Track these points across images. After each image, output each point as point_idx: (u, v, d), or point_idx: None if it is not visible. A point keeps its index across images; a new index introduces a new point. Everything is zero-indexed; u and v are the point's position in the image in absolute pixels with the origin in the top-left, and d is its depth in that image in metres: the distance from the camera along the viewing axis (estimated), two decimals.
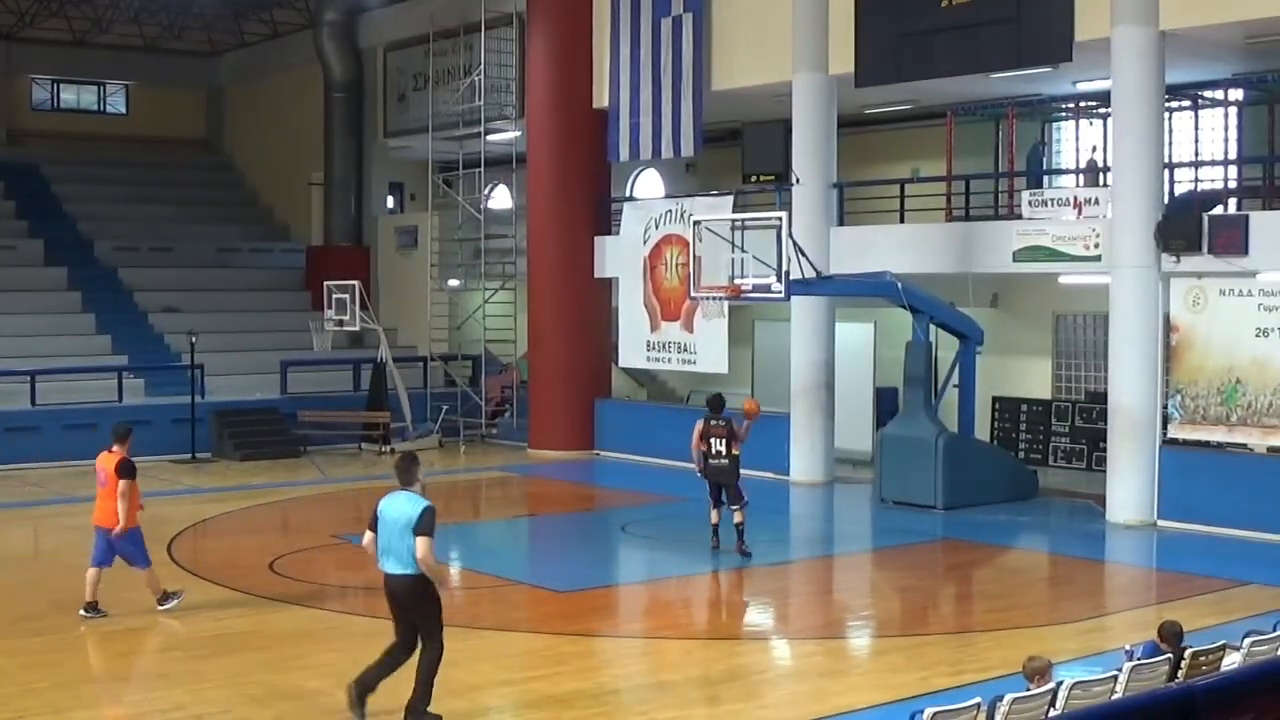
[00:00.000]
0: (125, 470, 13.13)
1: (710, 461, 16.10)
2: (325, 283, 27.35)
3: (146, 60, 36.69)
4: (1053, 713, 8.04)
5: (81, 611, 13.06)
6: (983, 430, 23.02)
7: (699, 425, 16.22)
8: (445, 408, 27.28)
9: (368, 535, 10.08)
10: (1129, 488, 18.21)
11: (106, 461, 13.40)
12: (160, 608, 13.31)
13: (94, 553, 13.22)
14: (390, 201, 33.70)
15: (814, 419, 21.89)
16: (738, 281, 18.30)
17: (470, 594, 15.41)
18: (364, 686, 9.94)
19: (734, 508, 16.05)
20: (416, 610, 9.93)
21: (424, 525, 9.71)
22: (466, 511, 21.97)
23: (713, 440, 16.07)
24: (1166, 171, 19.10)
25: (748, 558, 15.92)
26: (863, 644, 13.00)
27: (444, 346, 29.26)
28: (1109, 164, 19.93)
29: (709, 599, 15.37)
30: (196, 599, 14.19)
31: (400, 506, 9.89)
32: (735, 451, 15.93)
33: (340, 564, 16.72)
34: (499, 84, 27.72)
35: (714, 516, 16.35)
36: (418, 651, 9.95)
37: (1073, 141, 24.72)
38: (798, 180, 21.38)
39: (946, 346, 21.12)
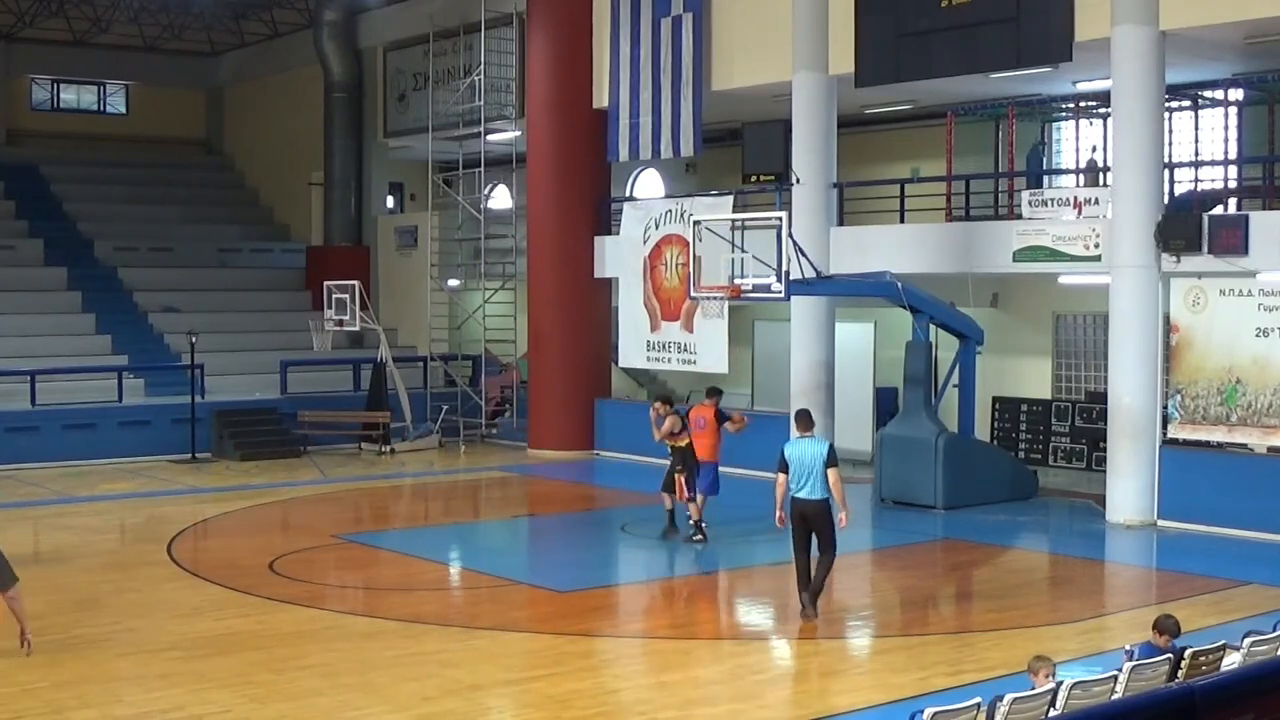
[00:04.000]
0: (722, 417, 17.06)
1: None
2: (325, 283, 27.33)
3: (146, 60, 36.69)
4: (1053, 713, 8.04)
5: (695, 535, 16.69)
6: (983, 430, 23.02)
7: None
8: (445, 408, 27.28)
9: (781, 476, 13.01)
10: (1129, 488, 18.21)
11: (703, 411, 17.07)
12: (693, 537, 16.63)
13: (707, 483, 16.91)
14: (390, 201, 33.70)
15: (814, 419, 21.84)
16: (738, 281, 18.29)
17: (470, 594, 15.44)
18: (813, 594, 13.02)
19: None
20: (822, 526, 13.00)
21: (833, 459, 12.87)
22: (466, 511, 21.99)
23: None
24: (1166, 171, 19.10)
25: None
26: (863, 644, 12.99)
27: (444, 346, 29.26)
28: (1109, 164, 19.93)
29: (709, 599, 15.38)
30: (196, 599, 14.22)
31: (808, 448, 12.98)
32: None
33: (340, 564, 16.73)
34: (499, 84, 27.72)
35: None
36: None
37: (1073, 141, 24.72)
38: (798, 180, 21.38)
39: (946, 346, 21.13)
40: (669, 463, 17.12)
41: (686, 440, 16.88)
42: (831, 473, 12.84)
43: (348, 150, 32.07)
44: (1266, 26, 17.42)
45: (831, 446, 13.01)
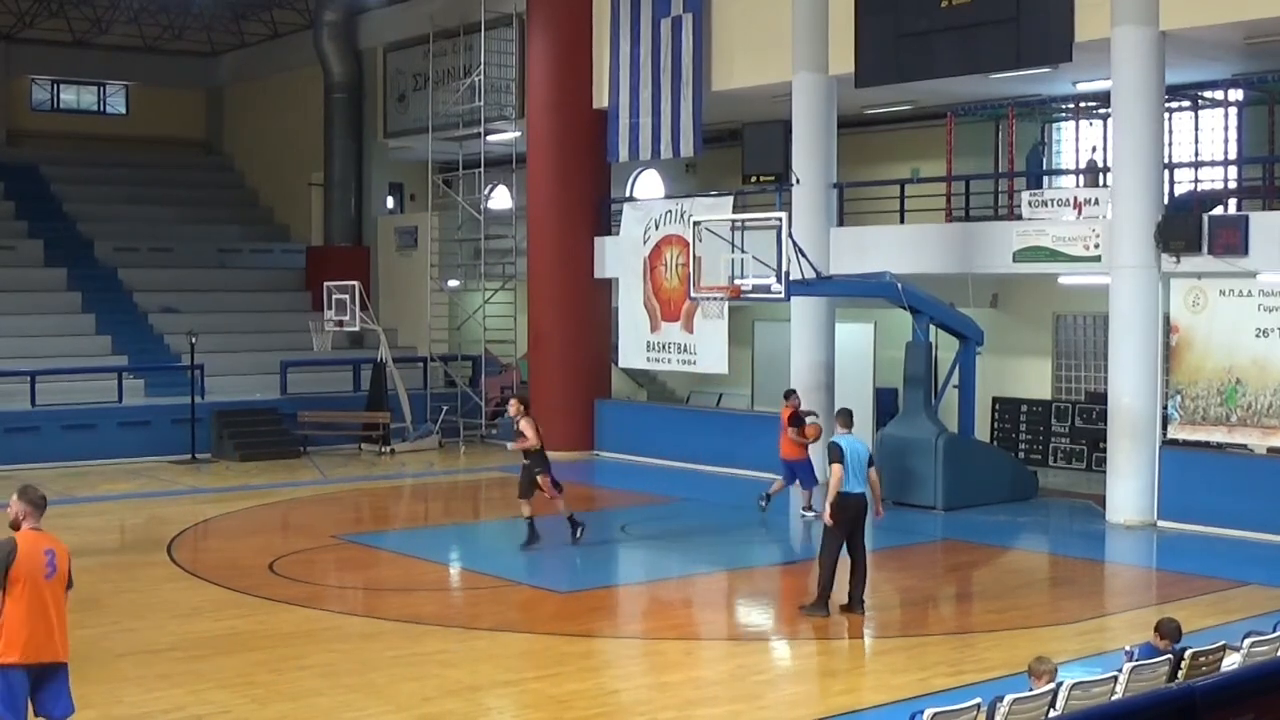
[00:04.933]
0: (795, 421, 18.32)
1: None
2: (325, 283, 27.33)
3: (146, 60, 36.68)
4: (1053, 713, 8.04)
5: (761, 502, 18.75)
6: (983, 430, 23.02)
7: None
8: (445, 408, 27.26)
9: (837, 468, 13.07)
10: (1129, 488, 18.21)
11: (783, 412, 18.62)
12: (804, 513, 18.21)
13: (783, 475, 18.79)
14: (390, 202, 33.70)
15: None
16: (738, 282, 18.29)
17: (470, 594, 15.44)
18: (854, 600, 13.27)
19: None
20: (862, 521, 13.35)
21: (873, 458, 13.52)
22: (466, 512, 21.98)
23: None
24: (1166, 171, 19.10)
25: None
26: (863, 644, 12.99)
27: (444, 347, 29.24)
28: (1109, 164, 19.94)
29: (708, 599, 15.37)
30: (196, 599, 14.22)
31: (858, 445, 13.35)
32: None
33: (340, 565, 16.74)
34: (499, 84, 27.71)
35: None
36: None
37: (1073, 141, 24.72)
38: (797, 180, 21.38)
39: (946, 347, 21.13)
40: (523, 467, 16.67)
41: (536, 444, 16.49)
42: (872, 471, 13.43)
43: (348, 150, 32.07)
44: (1266, 26, 17.42)
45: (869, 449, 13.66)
